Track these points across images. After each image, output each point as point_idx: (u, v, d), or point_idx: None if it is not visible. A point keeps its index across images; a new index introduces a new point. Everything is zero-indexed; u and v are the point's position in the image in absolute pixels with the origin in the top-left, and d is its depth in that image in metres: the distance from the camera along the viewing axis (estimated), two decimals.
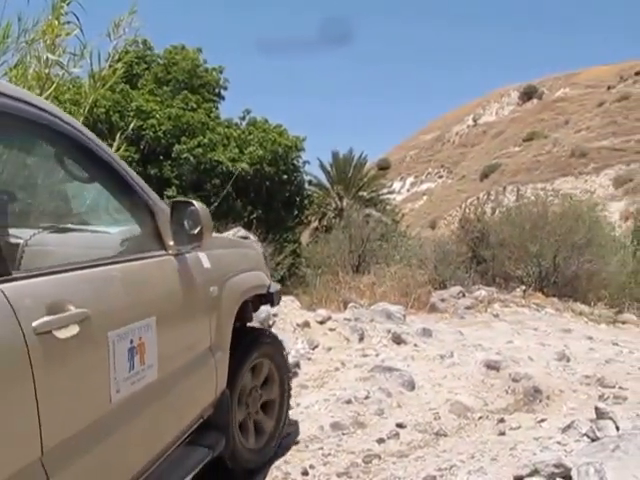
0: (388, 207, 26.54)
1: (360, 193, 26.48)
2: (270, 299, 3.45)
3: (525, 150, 45.36)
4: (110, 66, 4.27)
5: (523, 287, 8.85)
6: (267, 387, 3.33)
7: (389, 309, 6.29)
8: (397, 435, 3.88)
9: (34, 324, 1.57)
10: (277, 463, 3.34)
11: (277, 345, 3.44)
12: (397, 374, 4.67)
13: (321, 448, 3.61)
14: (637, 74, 46.33)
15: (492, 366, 5.04)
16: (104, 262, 2.05)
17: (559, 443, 3.26)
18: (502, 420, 4.02)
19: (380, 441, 3.81)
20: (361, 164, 27.21)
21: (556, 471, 2.75)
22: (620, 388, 4.62)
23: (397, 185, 52.25)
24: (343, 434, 3.82)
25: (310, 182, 25.32)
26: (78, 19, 4.59)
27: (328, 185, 27.06)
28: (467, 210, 11.15)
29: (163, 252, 2.36)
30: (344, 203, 25.16)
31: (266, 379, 3.32)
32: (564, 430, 3.47)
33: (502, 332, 6.34)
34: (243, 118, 21.95)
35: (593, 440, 3.19)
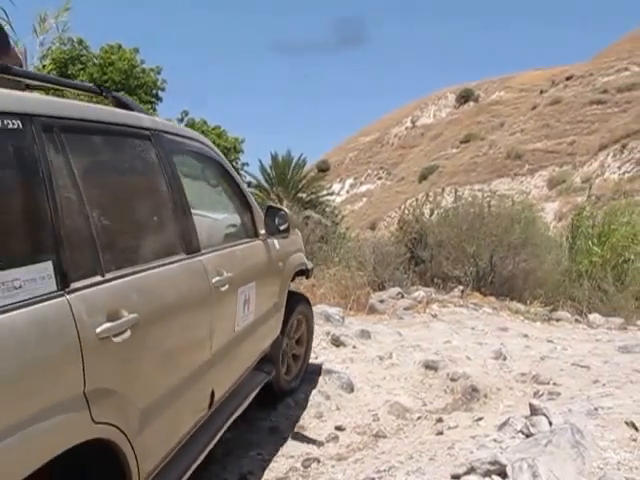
0: (328, 209, 26.59)
1: (300, 195, 26.43)
2: (307, 273, 4.62)
3: (462, 152, 46.52)
4: (43, 65, 4.08)
5: (461, 287, 9.01)
6: (300, 338, 4.50)
7: (328, 311, 6.30)
8: (336, 438, 3.89)
9: (214, 280, 2.73)
10: (215, 470, 3.30)
11: (308, 305, 4.62)
12: (336, 376, 4.68)
13: (260, 453, 3.58)
14: (567, 79, 48.27)
15: (430, 366, 5.12)
16: (235, 244, 3.30)
17: (495, 440, 3.33)
18: (440, 420, 4.09)
19: (319, 445, 3.82)
20: (300, 166, 27.17)
21: (492, 468, 2.81)
22: (554, 384, 4.77)
23: (336, 187, 52.61)
24: (282, 438, 3.80)
25: (250, 184, 25.14)
26: (7, 14, 4.38)
27: (267, 187, 26.94)
28: (406, 211, 11.26)
29: (256, 238, 3.60)
30: (284, 205, 25.11)
31: (297, 327, 4.44)
32: (500, 427, 3.55)
33: (440, 332, 6.44)
34: (181, 120, 21.63)
35: (527, 436, 3.27)
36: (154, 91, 21.73)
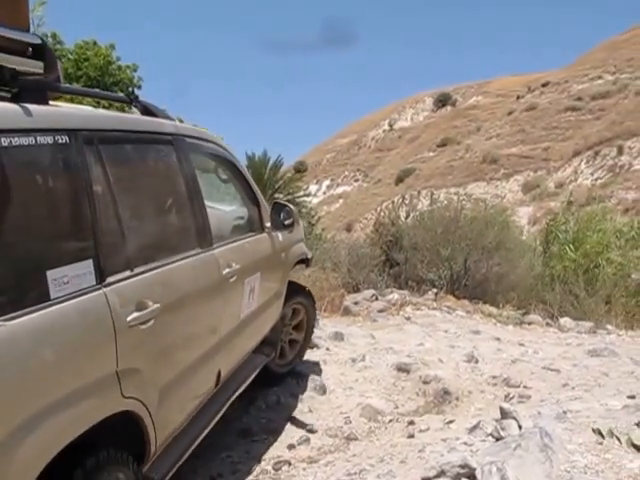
0: (304, 210, 26.55)
1: (276, 195, 26.39)
2: (307, 262, 4.85)
3: (439, 155, 46.88)
4: None
5: (435, 290, 9.07)
6: (297, 325, 4.75)
7: None
8: (308, 440, 3.89)
9: (224, 272, 3.05)
10: (184, 472, 3.26)
11: (309, 297, 4.82)
12: (309, 379, 4.67)
13: (230, 456, 3.57)
14: (543, 86, 48.94)
15: (403, 369, 5.14)
16: (243, 237, 3.63)
17: (466, 444, 3.35)
18: (412, 422, 4.11)
19: (290, 447, 3.81)
20: (277, 166, 27.13)
21: (461, 471, 2.83)
22: (525, 387, 4.83)
23: (313, 188, 52.59)
24: (253, 441, 3.78)
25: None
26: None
27: None
28: (382, 214, 11.30)
29: (262, 231, 3.88)
30: None
31: (298, 318, 4.73)
32: (471, 431, 3.58)
33: (413, 335, 6.47)
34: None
35: (497, 439, 3.30)
36: (130, 88, 21.48)
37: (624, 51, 44.67)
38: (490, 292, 9.45)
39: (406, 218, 11.65)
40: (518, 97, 50.11)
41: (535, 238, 11.88)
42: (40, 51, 2.24)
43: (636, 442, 1.60)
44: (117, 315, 2.09)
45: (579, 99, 43.03)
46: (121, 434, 2.21)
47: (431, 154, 48.35)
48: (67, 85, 2.55)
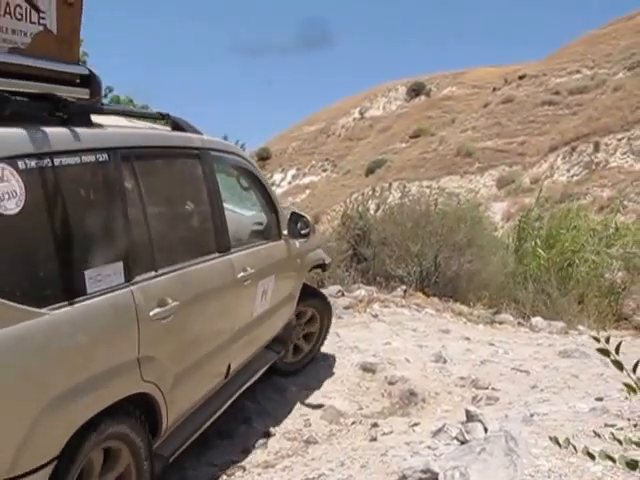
0: None
1: None
2: (324, 267, 5.37)
3: (412, 147, 47.11)
4: None
5: (404, 287, 9.09)
6: (310, 325, 5.11)
7: None
8: (264, 444, 3.87)
9: (239, 275, 3.50)
10: None
11: (322, 299, 5.26)
12: (266, 379, 4.64)
13: (178, 461, 3.50)
14: (520, 78, 49.50)
15: (368, 369, 5.16)
16: (260, 243, 4.07)
17: (429, 447, 3.38)
18: (375, 425, 4.12)
19: (245, 451, 3.78)
20: None
21: (423, 477, 2.85)
22: (493, 389, 4.89)
23: (278, 177, 52.42)
24: (204, 446, 3.73)
25: None
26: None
27: None
28: (350, 206, 11.28)
29: (279, 238, 4.29)
30: None
31: (310, 319, 5.09)
32: (435, 434, 3.60)
33: (380, 333, 6.49)
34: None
35: (462, 443, 3.33)
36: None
37: (603, 46, 45.46)
38: (461, 290, 9.53)
39: (375, 211, 11.66)
40: (494, 89, 50.63)
41: (508, 235, 12.00)
42: (87, 80, 2.69)
43: (591, 451, 1.63)
44: (141, 309, 2.54)
45: (556, 93, 43.66)
46: (138, 412, 2.63)
47: (403, 145, 48.58)
48: (108, 106, 3.06)
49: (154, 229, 2.77)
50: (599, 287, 9.32)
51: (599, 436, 2.12)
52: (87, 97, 2.66)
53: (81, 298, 2.26)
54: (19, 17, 2.35)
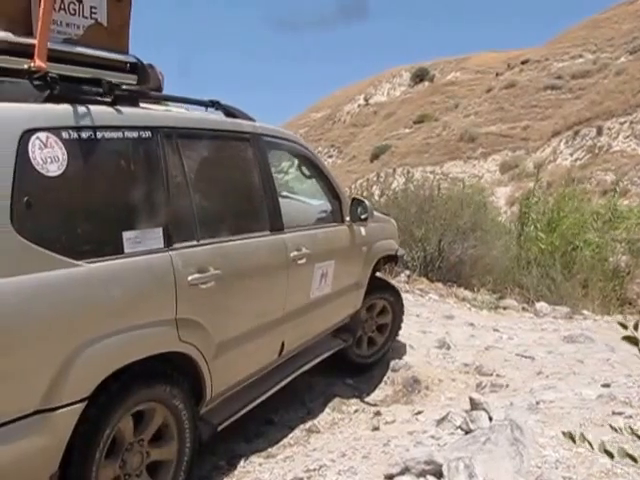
0: None
1: None
2: (396, 259, 5.22)
3: (415, 132, 46.77)
4: None
5: (408, 272, 8.99)
6: (382, 317, 5.06)
7: None
8: (266, 433, 3.77)
9: (291, 254, 3.54)
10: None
11: (394, 291, 5.18)
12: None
13: None
14: (523, 63, 48.99)
15: None
16: (319, 226, 4.12)
17: (433, 437, 3.26)
18: (378, 413, 4.02)
19: (247, 440, 3.68)
20: None
21: (427, 468, 2.73)
22: (497, 376, 4.77)
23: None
24: None
25: None
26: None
27: None
28: (354, 192, 11.13)
29: (342, 223, 4.30)
30: None
31: (381, 312, 5.05)
32: (439, 423, 3.49)
33: None
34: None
35: (467, 432, 3.22)
36: None
37: (605, 30, 44.90)
38: (465, 275, 9.41)
39: (380, 197, 11.51)
40: (497, 74, 50.17)
41: (511, 219, 11.84)
42: (135, 67, 3.01)
43: (608, 448, 1.50)
44: (179, 273, 2.68)
45: (559, 77, 43.20)
46: (178, 376, 2.76)
47: (407, 131, 48.23)
48: (156, 93, 3.16)
49: (197, 203, 2.93)
50: (603, 271, 9.17)
51: (616, 430, 1.99)
52: (134, 83, 2.97)
53: (118, 256, 2.45)
54: (72, 12, 2.73)
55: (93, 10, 2.79)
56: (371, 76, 65.67)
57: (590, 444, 1.47)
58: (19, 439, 2.10)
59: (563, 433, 1.54)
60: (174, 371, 2.75)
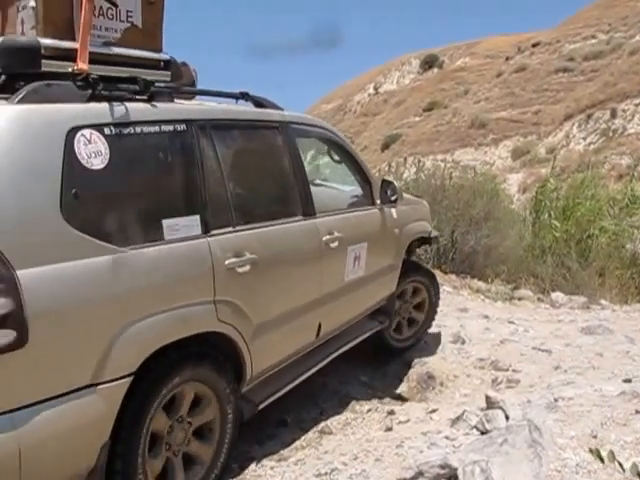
0: None
1: None
2: (429, 241, 5.39)
3: (425, 120, 46.49)
4: None
5: None
6: (418, 300, 5.16)
7: None
8: (278, 434, 3.71)
9: (324, 238, 3.68)
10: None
11: (429, 274, 5.32)
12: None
13: None
14: (534, 46, 48.48)
15: None
16: (351, 210, 4.24)
17: (448, 438, 3.18)
18: (392, 412, 3.94)
19: (259, 442, 3.63)
20: None
21: (441, 472, 2.66)
22: (513, 371, 4.69)
23: None
24: None
25: None
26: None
27: None
28: None
29: (373, 206, 4.40)
30: None
31: (418, 295, 5.15)
32: (454, 423, 3.41)
33: None
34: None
35: (483, 433, 3.14)
36: None
37: (618, 9, 44.26)
38: (478, 266, 9.29)
39: None
40: (507, 58, 49.68)
41: (525, 207, 11.68)
42: (168, 65, 3.19)
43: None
44: (216, 258, 2.85)
45: (571, 59, 42.70)
46: (218, 355, 2.93)
47: (417, 119, 47.97)
48: (187, 88, 3.36)
49: (231, 191, 3.09)
50: (620, 259, 9.02)
51: None
52: (168, 79, 3.17)
53: (159, 242, 2.61)
54: (110, 17, 2.95)
55: (129, 14, 3.03)
56: (380, 65, 65.29)
57: (621, 465, 1.39)
58: (74, 410, 2.27)
59: (590, 451, 1.45)
60: (216, 351, 2.91)
